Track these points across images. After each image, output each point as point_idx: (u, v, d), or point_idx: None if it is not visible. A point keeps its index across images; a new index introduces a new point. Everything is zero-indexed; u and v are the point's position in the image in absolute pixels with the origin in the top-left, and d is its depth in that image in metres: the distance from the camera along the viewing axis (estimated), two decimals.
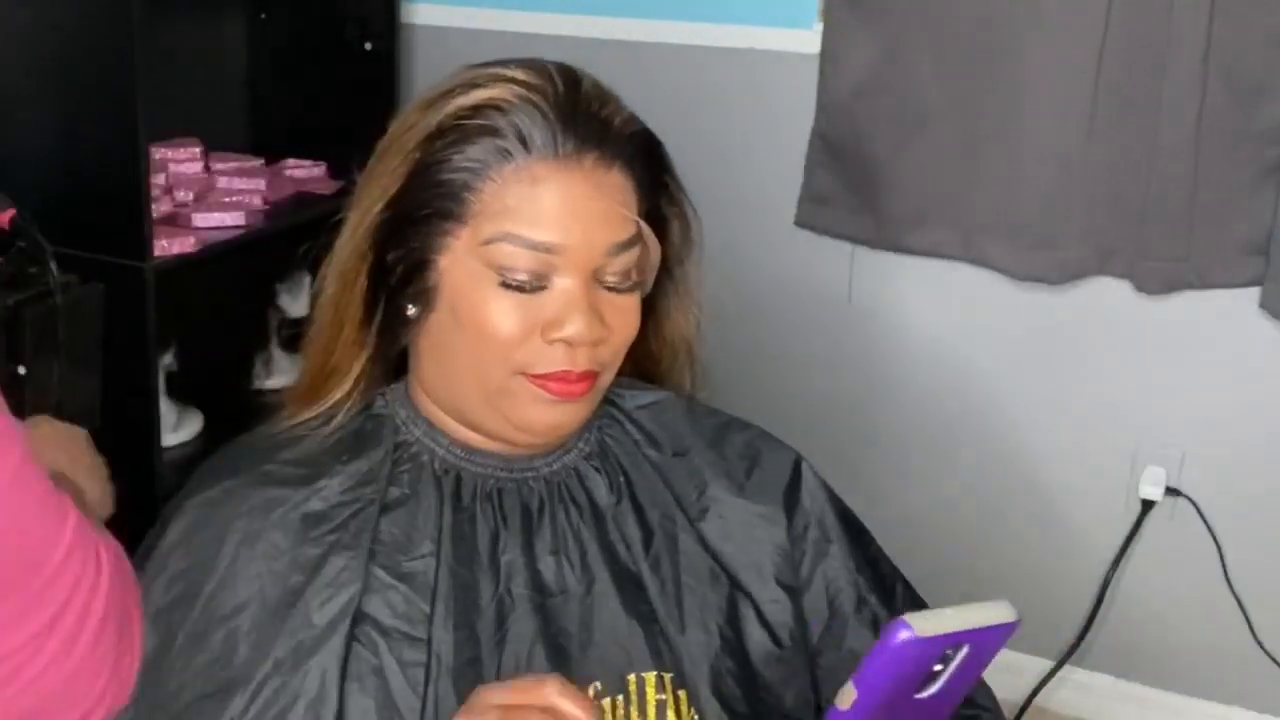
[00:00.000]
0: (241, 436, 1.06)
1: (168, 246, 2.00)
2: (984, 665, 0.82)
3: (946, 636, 0.77)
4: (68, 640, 0.76)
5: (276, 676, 0.92)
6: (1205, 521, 2.22)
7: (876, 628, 1.06)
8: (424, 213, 0.96)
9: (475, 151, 0.94)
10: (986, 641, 0.80)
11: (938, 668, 0.79)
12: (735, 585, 1.04)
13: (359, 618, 0.94)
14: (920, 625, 0.76)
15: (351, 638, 0.93)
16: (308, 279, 2.41)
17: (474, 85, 0.96)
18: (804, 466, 1.11)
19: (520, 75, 0.96)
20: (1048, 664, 2.36)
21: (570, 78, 0.97)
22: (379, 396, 1.04)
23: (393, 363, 1.05)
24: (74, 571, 0.76)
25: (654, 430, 1.08)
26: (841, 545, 1.09)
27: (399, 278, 0.98)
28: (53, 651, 0.75)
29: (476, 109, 0.95)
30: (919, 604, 1.12)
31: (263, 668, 0.92)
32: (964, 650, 0.79)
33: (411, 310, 0.98)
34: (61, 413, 1.74)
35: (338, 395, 1.02)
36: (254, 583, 0.94)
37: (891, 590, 1.11)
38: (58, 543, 0.76)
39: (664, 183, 1.02)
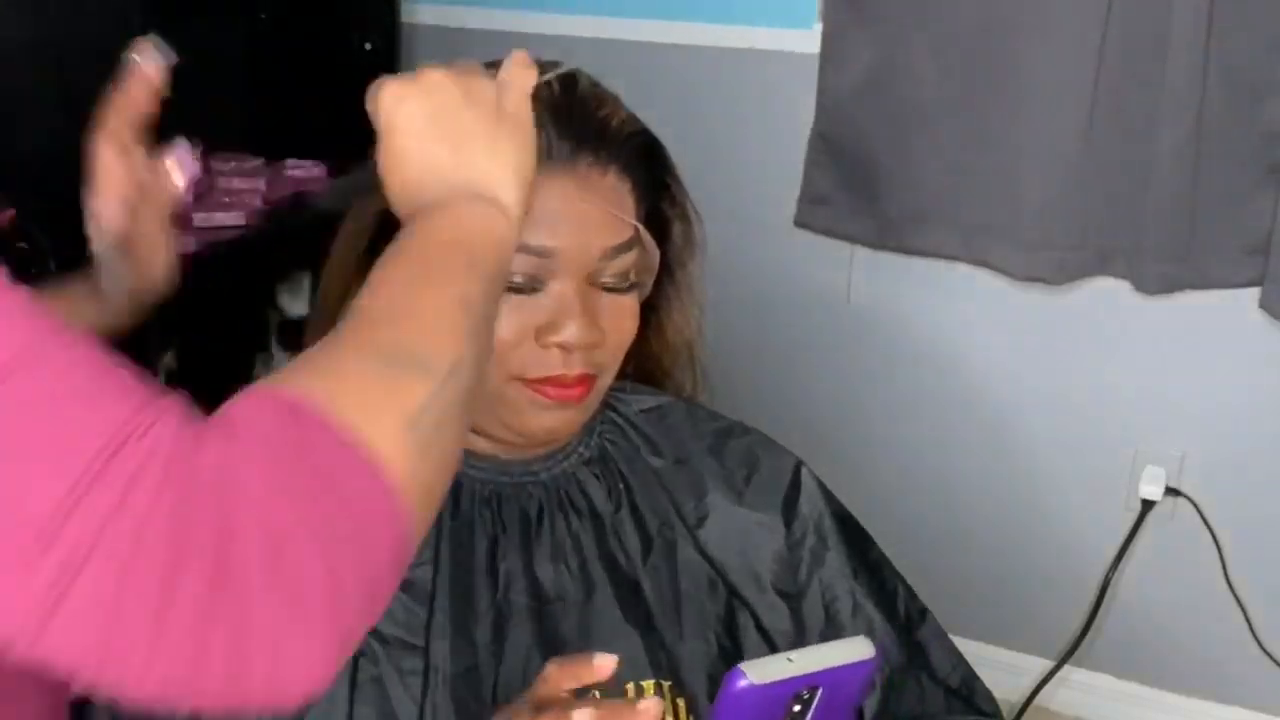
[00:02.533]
0: None
1: None
2: (853, 701, 0.82)
3: (790, 681, 0.77)
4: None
5: None
6: (1205, 521, 2.22)
7: (871, 635, 1.06)
8: None
9: None
10: (845, 680, 0.80)
11: (797, 709, 0.79)
12: (733, 594, 1.04)
13: None
14: (757, 673, 0.76)
15: (360, 648, 0.92)
16: (308, 279, 2.41)
17: None
18: (804, 472, 1.10)
19: None
20: (1048, 664, 2.36)
21: (566, 79, 0.96)
22: None
23: None
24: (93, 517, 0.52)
25: (655, 436, 1.08)
26: (839, 552, 1.08)
27: None
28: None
29: None
30: (919, 608, 1.12)
31: None
32: (820, 691, 0.79)
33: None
34: None
35: None
36: None
37: (893, 596, 1.10)
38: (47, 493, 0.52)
39: (665, 184, 1.02)
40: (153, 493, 0.53)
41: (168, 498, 0.53)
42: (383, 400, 0.62)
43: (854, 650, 0.80)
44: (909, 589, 1.12)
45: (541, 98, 0.94)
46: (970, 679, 1.11)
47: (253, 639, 0.53)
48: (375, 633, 0.93)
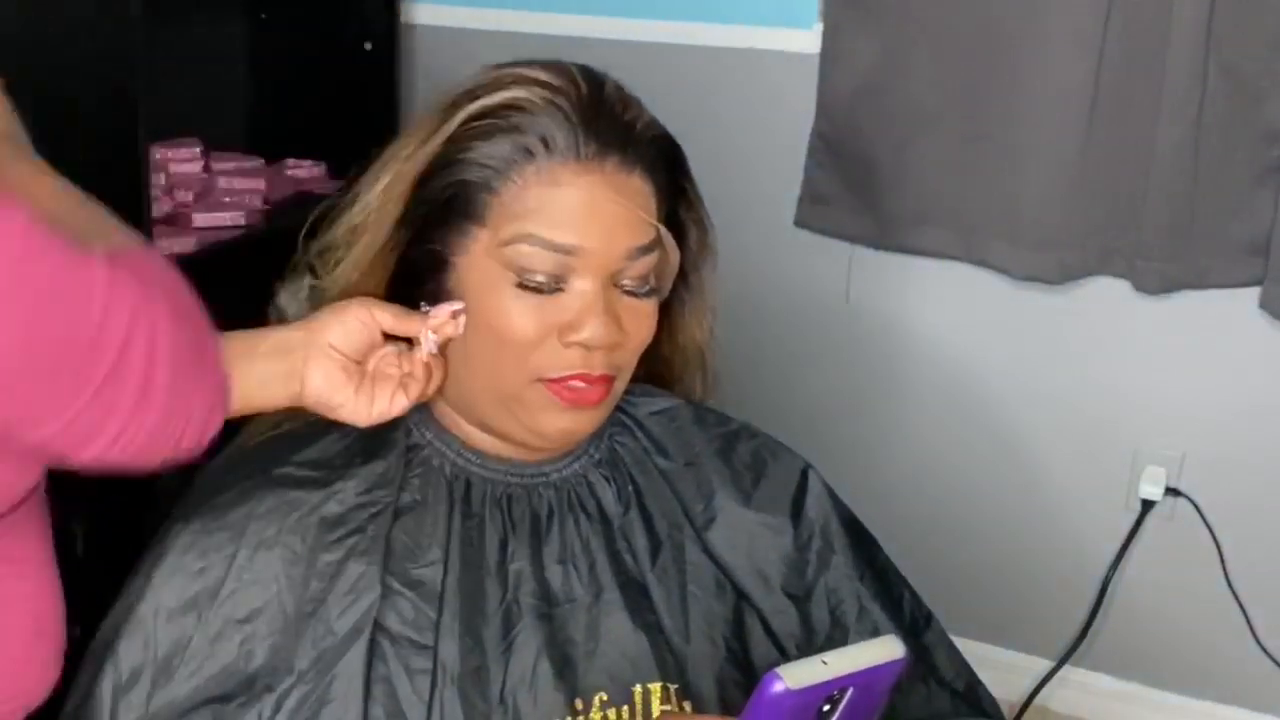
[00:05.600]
0: (241, 436, 1.06)
1: (168, 246, 2.00)
2: (880, 698, 0.83)
3: (823, 684, 0.77)
4: (141, 388, 0.76)
5: (300, 686, 0.91)
6: (1205, 521, 2.22)
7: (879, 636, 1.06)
8: (444, 213, 0.96)
9: (497, 152, 0.94)
10: (874, 680, 0.80)
11: (826, 708, 0.80)
12: (741, 596, 1.04)
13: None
14: (793, 677, 0.76)
15: (372, 646, 0.93)
16: (308, 279, 2.41)
17: (497, 86, 0.96)
18: (811, 475, 1.11)
19: (543, 76, 0.96)
20: (1048, 664, 2.36)
21: (593, 80, 0.97)
22: None
23: None
24: (120, 320, 0.74)
25: (663, 439, 1.08)
26: (845, 555, 1.09)
27: (416, 276, 0.98)
28: (128, 405, 0.75)
29: (500, 109, 0.95)
30: (925, 613, 1.12)
31: (286, 679, 0.91)
32: (850, 691, 0.79)
33: (426, 309, 0.98)
34: None
35: None
36: (271, 586, 0.93)
37: (898, 600, 1.11)
38: (89, 300, 0.73)
39: (683, 188, 1.02)
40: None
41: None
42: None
43: (886, 651, 0.81)
44: (914, 593, 1.12)
45: (570, 97, 0.95)
46: (974, 683, 1.11)
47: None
48: (384, 631, 0.93)
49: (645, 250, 0.96)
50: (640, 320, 0.98)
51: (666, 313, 1.05)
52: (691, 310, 1.07)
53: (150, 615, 0.93)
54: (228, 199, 2.21)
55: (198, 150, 2.27)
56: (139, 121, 1.87)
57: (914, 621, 1.10)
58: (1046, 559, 2.35)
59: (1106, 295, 2.19)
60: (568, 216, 0.93)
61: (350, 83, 2.42)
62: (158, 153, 2.16)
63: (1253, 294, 2.10)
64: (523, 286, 0.94)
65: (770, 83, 2.32)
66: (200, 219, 2.12)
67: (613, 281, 0.95)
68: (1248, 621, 2.22)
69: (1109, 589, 2.30)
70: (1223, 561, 2.22)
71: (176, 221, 2.12)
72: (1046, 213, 2.13)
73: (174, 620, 0.93)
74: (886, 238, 2.28)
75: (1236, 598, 2.22)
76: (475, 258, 0.95)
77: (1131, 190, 2.09)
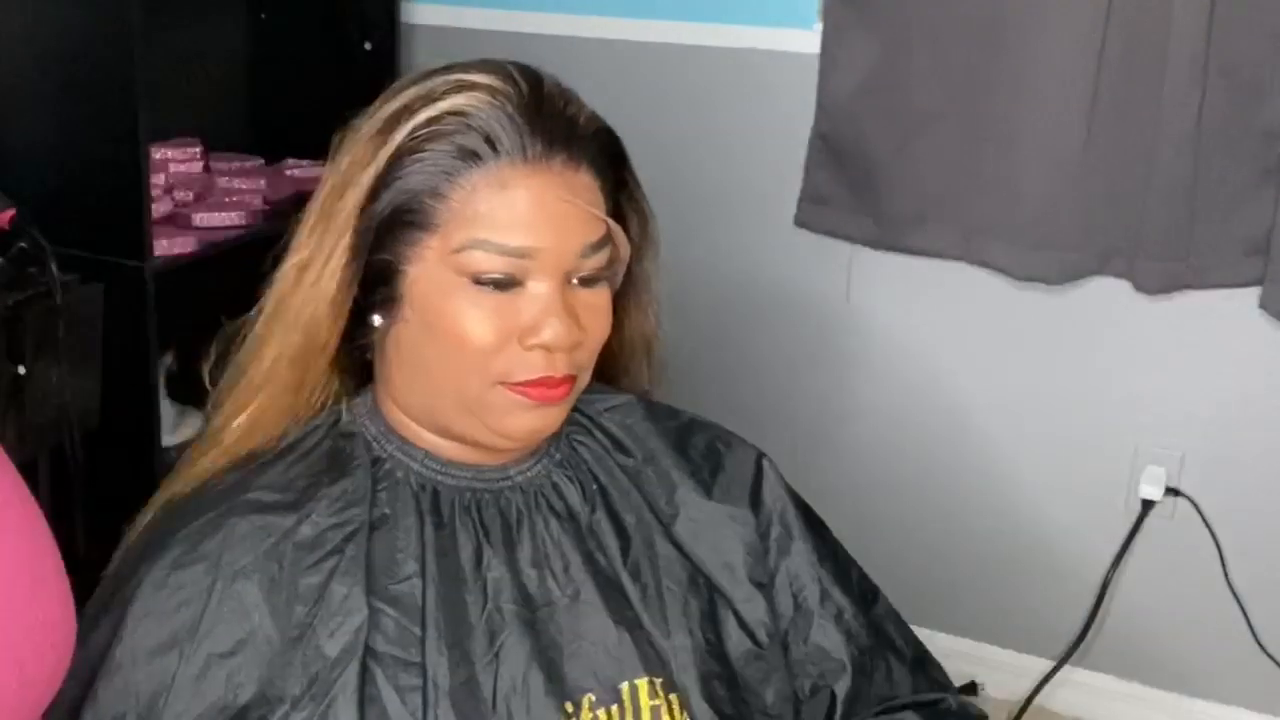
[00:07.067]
0: (175, 485, 1.01)
1: (168, 246, 2.00)
2: None
3: None
4: None
5: (297, 713, 0.89)
6: (1205, 521, 2.22)
7: (840, 620, 1.09)
8: (392, 222, 0.94)
9: (443, 159, 0.93)
10: None
11: None
12: (712, 588, 1.05)
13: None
14: None
15: (364, 668, 0.91)
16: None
17: (432, 98, 0.95)
18: (765, 463, 1.12)
19: (484, 79, 0.95)
20: (1048, 664, 2.35)
21: (532, 78, 0.96)
22: (344, 412, 1.03)
23: (356, 375, 1.04)
24: None
25: (620, 435, 1.08)
26: (804, 541, 1.10)
27: (365, 286, 0.96)
28: None
29: (442, 117, 0.93)
30: (872, 587, 1.14)
31: (280, 707, 0.89)
32: None
33: (378, 320, 0.97)
34: (63, 412, 1.75)
35: (305, 412, 1.00)
36: (252, 615, 0.91)
37: (850, 578, 1.13)
38: None
39: (624, 180, 1.02)
40: None
41: None
42: None
43: None
44: (861, 570, 1.14)
45: (511, 98, 0.94)
46: (923, 652, 1.14)
47: None
48: (371, 650, 0.92)
49: (597, 247, 0.95)
50: (596, 315, 0.97)
51: (613, 306, 1.04)
52: (635, 303, 1.06)
53: (129, 659, 0.90)
54: (228, 199, 2.21)
55: (198, 150, 2.27)
56: (139, 121, 1.87)
57: (864, 597, 1.12)
58: (1046, 559, 2.35)
59: (1106, 295, 2.19)
60: (519, 218, 0.92)
61: (350, 83, 2.42)
62: (158, 153, 2.16)
63: (1253, 294, 2.10)
64: (479, 283, 0.92)
65: (770, 83, 2.32)
66: (200, 219, 2.12)
67: (567, 280, 0.95)
68: (1248, 621, 2.22)
69: (1109, 589, 2.30)
70: (1223, 561, 2.22)
71: (176, 221, 2.12)
72: (1046, 213, 2.13)
73: (153, 661, 0.90)
74: (886, 238, 2.28)
75: (1236, 598, 2.22)
76: (428, 265, 0.94)
77: (1131, 190, 2.09)
